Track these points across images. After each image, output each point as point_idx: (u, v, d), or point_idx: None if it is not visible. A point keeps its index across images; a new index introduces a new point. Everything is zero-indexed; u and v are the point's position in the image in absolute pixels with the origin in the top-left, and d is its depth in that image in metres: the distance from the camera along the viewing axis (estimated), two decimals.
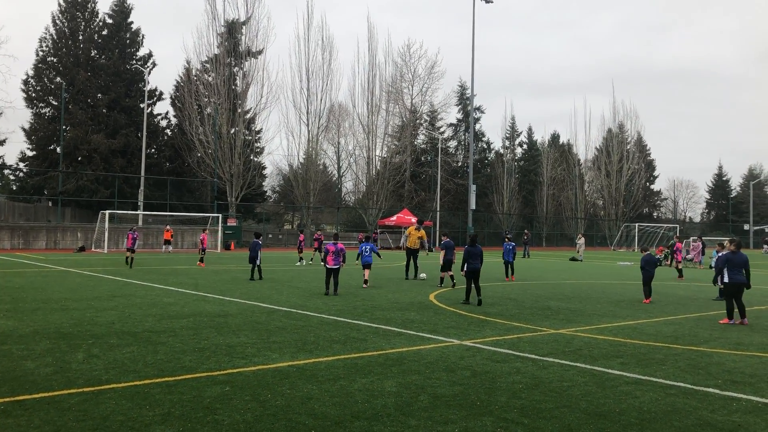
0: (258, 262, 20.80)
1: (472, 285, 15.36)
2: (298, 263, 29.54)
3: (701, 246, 34.76)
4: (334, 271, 16.72)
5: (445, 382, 7.65)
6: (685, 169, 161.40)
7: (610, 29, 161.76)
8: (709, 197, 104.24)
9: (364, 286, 18.57)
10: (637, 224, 70.40)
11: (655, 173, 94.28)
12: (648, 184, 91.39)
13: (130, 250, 25.52)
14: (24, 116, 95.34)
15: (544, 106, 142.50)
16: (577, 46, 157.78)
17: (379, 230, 58.58)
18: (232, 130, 53.82)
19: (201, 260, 27.31)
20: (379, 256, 19.95)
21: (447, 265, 19.18)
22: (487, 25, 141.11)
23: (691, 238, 52.65)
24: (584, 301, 16.74)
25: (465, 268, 15.42)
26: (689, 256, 37.81)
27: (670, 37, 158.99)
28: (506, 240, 24.05)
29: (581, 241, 42.28)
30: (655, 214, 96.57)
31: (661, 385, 7.81)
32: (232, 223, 48.67)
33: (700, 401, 7.12)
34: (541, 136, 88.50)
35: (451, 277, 19.36)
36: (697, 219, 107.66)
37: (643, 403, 6.98)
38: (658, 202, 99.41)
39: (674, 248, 29.43)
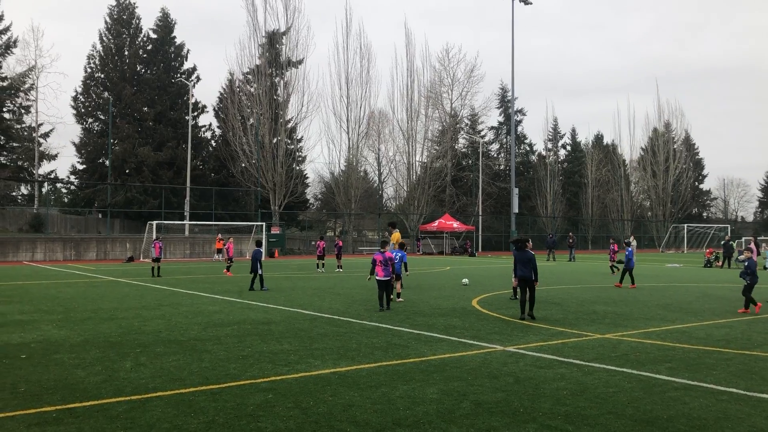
0: (260, 272, 19.58)
1: (527, 297, 13.74)
2: (338, 269, 29.97)
3: (756, 248, 33.68)
4: (386, 284, 15.01)
5: (487, 389, 7.57)
6: (733, 168, 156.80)
7: (642, 30, 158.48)
8: (761, 196, 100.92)
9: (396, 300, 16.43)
10: (686, 225, 68.74)
11: (704, 172, 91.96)
12: (696, 183, 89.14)
13: (156, 260, 25.89)
14: (74, 131, 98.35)
15: (584, 107, 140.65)
16: (610, 48, 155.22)
17: (420, 235, 58.47)
18: (275, 140, 54.54)
19: (227, 268, 27.22)
20: (406, 270, 17.44)
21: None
22: (520, 28, 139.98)
23: (744, 239, 51.14)
24: (631, 305, 16.38)
25: (515, 277, 14.20)
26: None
27: (705, 35, 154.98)
28: (625, 244, 23.10)
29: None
30: (704, 214, 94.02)
31: (711, 390, 7.59)
32: (276, 231, 49.31)
33: (753, 407, 6.88)
34: (585, 137, 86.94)
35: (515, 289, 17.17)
36: (750, 218, 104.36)
37: (692, 409, 6.79)
38: (708, 201, 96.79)
39: (611, 248, 29.44)
